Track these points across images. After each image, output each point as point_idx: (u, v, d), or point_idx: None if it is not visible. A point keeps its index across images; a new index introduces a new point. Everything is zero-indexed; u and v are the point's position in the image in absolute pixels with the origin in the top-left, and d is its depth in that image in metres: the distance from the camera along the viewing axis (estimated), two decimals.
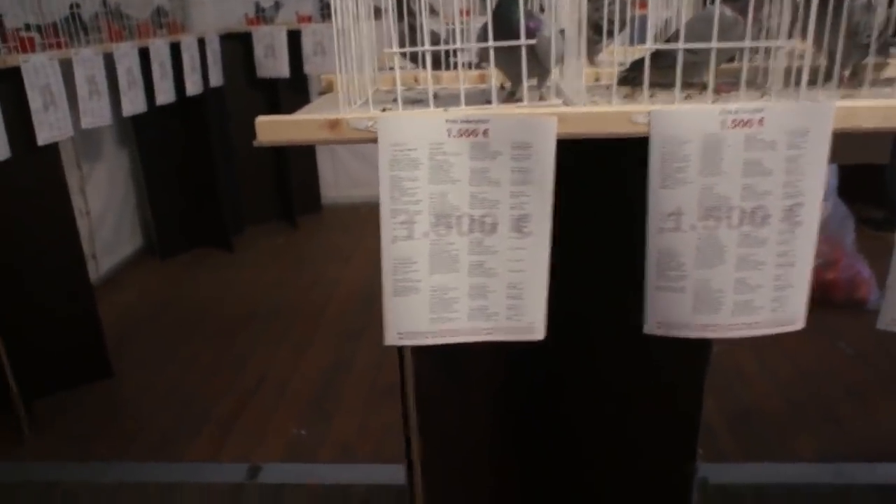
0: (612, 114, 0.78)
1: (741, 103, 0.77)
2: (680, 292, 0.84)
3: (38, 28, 2.53)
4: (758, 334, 0.86)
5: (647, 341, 0.87)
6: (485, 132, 0.79)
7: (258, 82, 3.90)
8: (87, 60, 2.48)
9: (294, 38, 3.82)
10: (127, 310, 3.16)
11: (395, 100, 1.05)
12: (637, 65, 1.10)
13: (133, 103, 2.85)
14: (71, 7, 2.69)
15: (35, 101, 2.16)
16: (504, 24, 0.84)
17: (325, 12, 3.93)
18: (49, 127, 2.22)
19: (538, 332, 0.88)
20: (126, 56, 2.78)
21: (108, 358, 2.57)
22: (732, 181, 0.79)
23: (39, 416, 2.29)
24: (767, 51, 1.00)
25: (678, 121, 0.77)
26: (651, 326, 0.87)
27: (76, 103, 2.46)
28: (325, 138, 0.79)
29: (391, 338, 0.86)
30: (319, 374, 2.54)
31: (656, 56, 0.91)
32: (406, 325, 0.86)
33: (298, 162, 4.20)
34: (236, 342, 2.82)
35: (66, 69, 2.37)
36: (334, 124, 0.79)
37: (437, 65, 1.27)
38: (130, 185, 3.70)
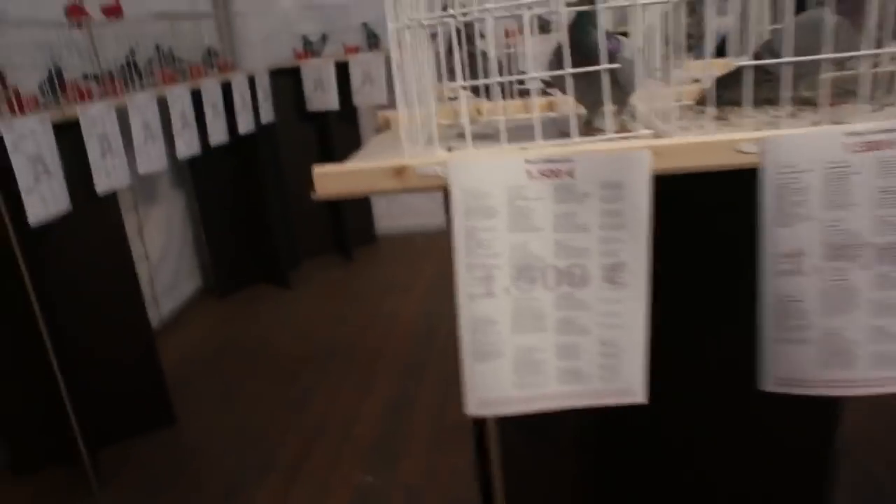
0: (715, 144, 0.67)
1: (869, 123, 0.66)
2: (804, 344, 0.72)
3: (96, 77, 2.57)
4: None
5: (763, 400, 0.75)
6: (570, 172, 0.70)
7: (308, 116, 3.90)
8: (141, 106, 2.50)
9: (342, 70, 3.82)
10: (188, 352, 3.15)
11: (459, 135, 0.97)
12: (724, 82, 0.99)
13: (188, 146, 2.86)
14: (127, 55, 2.73)
15: (93, 151, 2.17)
16: (580, 46, 0.75)
17: (371, 41, 3.92)
18: (107, 175, 2.23)
19: (637, 395, 0.77)
20: (179, 98, 2.80)
21: (170, 403, 2.55)
22: (863, 214, 0.67)
23: (105, 467, 2.28)
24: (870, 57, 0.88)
25: (795, 147, 0.66)
26: (769, 383, 0.75)
27: (132, 149, 2.47)
28: (390, 187, 0.72)
29: (473, 407, 0.77)
30: (383, 413, 2.47)
31: (740, 72, 0.81)
32: (489, 391, 0.76)
33: None
34: (297, 381, 2.78)
35: (122, 116, 2.39)
36: (399, 172, 0.71)
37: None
38: (188, 226, 3.73)
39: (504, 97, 1.14)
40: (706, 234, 0.79)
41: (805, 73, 0.85)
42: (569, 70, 0.72)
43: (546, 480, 0.92)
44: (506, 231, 0.71)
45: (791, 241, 0.69)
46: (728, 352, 0.80)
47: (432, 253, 4.03)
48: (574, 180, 0.70)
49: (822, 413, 0.79)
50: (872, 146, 0.65)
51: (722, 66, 1.14)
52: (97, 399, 2.32)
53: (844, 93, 0.95)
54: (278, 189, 3.76)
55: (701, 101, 1.01)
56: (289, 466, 2.22)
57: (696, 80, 1.13)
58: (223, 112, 3.15)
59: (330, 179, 0.72)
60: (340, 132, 4.00)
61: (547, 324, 0.75)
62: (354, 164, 0.72)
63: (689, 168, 0.68)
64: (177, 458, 2.37)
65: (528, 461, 0.92)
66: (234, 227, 3.68)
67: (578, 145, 0.72)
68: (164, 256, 3.46)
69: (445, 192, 0.75)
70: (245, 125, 3.32)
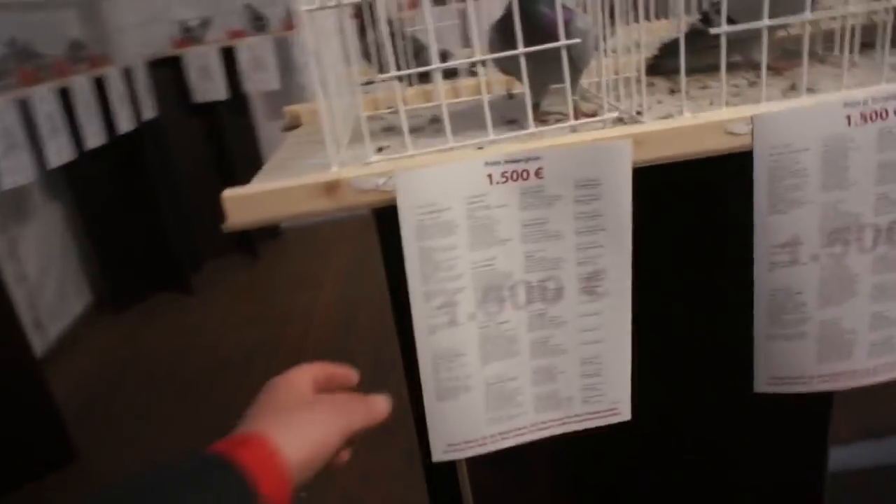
0: (701, 127, 0.58)
1: (868, 90, 0.58)
2: (800, 339, 0.65)
3: None
4: None
5: (754, 404, 0.68)
6: (538, 172, 0.58)
7: (195, 108, 3.61)
8: None
9: (228, 56, 3.55)
10: (85, 377, 2.87)
11: (385, 130, 0.84)
12: (670, 49, 0.90)
13: (59, 152, 2.56)
14: None
15: None
16: (527, 17, 0.63)
17: (257, 24, 3.66)
18: None
19: (623, 414, 0.68)
20: (44, 100, 2.49)
21: (68, 438, 2.29)
22: (863, 192, 0.60)
23: None
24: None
25: (790, 124, 0.58)
26: (762, 384, 0.68)
27: None
28: (321, 209, 0.58)
29: (440, 452, 0.65)
30: None
31: (690, 36, 0.72)
32: (458, 433, 0.65)
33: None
34: (213, 396, 2.57)
35: None
36: (331, 188, 0.57)
37: (422, 77, 1.06)
38: (69, 239, 3.38)
39: (414, 81, 1.01)
40: (685, 230, 0.70)
41: (750, 36, 0.77)
42: (523, 50, 0.61)
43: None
44: (467, 249, 0.59)
45: (787, 229, 0.61)
46: (715, 356, 0.73)
47: (340, 242, 3.86)
48: (542, 181, 0.59)
49: (815, 407, 0.73)
50: (872, 116, 0.58)
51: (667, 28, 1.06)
52: None
53: (788, 54, 0.89)
54: (169, 189, 3.46)
55: (648, 72, 0.93)
56: None
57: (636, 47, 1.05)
58: (98, 111, 2.84)
59: (244, 204, 0.58)
60: (232, 123, 3.73)
61: (520, 347, 0.64)
62: (272, 183, 0.58)
63: (672, 157, 0.59)
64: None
65: (499, 489, 0.82)
66: (123, 234, 3.36)
67: (540, 139, 0.61)
68: (44, 275, 3.12)
69: (376, 211, 0.62)
70: (124, 123, 3.02)
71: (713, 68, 0.77)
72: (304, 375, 0.55)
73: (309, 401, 0.53)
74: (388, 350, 0.64)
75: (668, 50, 0.90)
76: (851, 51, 0.74)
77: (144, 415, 2.52)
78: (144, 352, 3.04)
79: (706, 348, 0.73)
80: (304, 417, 0.50)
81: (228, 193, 0.58)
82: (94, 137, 2.80)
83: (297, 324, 3.03)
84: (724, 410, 0.74)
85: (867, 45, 0.77)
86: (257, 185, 0.59)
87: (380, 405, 0.55)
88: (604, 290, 0.63)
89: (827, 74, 0.78)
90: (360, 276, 3.38)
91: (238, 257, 3.93)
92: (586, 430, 0.69)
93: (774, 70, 0.83)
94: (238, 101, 3.70)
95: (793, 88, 0.72)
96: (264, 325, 3.10)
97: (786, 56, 0.88)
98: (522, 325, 0.63)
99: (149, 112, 3.29)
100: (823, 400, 0.71)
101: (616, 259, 0.62)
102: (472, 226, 0.58)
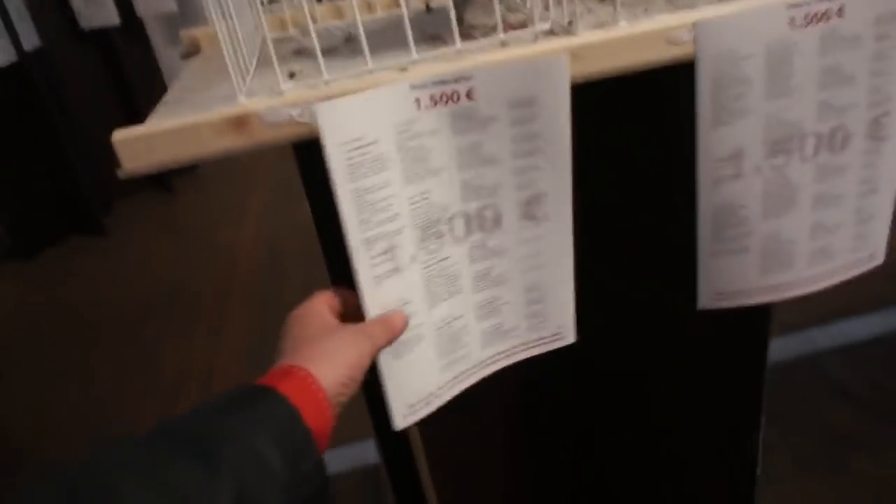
0: (641, 37, 0.54)
1: None
2: (743, 253, 0.64)
3: None
4: (836, 283, 0.68)
5: (695, 320, 0.68)
6: (468, 93, 0.53)
7: (85, 35, 3.30)
8: None
9: None
10: None
11: (295, 52, 0.76)
12: None
13: None
14: None
15: None
16: None
17: None
18: None
19: (568, 336, 0.67)
20: None
21: None
22: (806, 99, 0.58)
23: None
24: None
25: (735, 30, 0.54)
26: (707, 300, 0.67)
27: None
28: (229, 146, 0.51)
29: (400, 418, 0.60)
30: (245, 355, 2.26)
31: None
32: (416, 390, 0.60)
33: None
34: (138, 341, 2.47)
35: None
36: (240, 123, 0.50)
37: None
38: None
39: None
40: (624, 149, 0.67)
41: None
42: None
43: (472, 450, 0.81)
44: (402, 184, 0.53)
45: (730, 141, 0.58)
46: (656, 275, 0.71)
47: (259, 172, 3.70)
48: (474, 103, 0.53)
49: (756, 319, 0.73)
50: (816, 18, 0.55)
51: None
52: None
53: None
54: (68, 125, 3.19)
55: None
56: None
57: None
58: None
59: (140, 146, 0.50)
60: (128, 52, 3.43)
61: (463, 283, 0.60)
62: (171, 121, 0.51)
63: (612, 71, 0.54)
64: (10, 465, 2.04)
65: (452, 440, 0.80)
66: (22, 176, 3.10)
67: (468, 56, 0.55)
68: None
69: (296, 147, 0.56)
70: (3, 55, 2.73)
71: None
72: (323, 303, 0.55)
73: (334, 327, 0.53)
74: (320, 286, 0.59)
75: None
76: None
77: (66, 368, 2.41)
78: (60, 300, 2.88)
79: (648, 268, 0.72)
80: (335, 344, 0.51)
81: (120, 136, 0.50)
82: None
83: (220, 261, 2.92)
84: (667, 330, 0.74)
85: None
86: (154, 125, 0.51)
87: (397, 320, 0.55)
88: (544, 215, 0.59)
89: None
90: (284, 208, 3.26)
91: (152, 194, 3.71)
92: (533, 362, 0.67)
93: None
94: (132, 26, 3.40)
95: None
96: (186, 264, 2.97)
97: None
98: (464, 259, 0.59)
99: (31, 41, 2.98)
100: (762, 311, 0.71)
101: (556, 182, 0.58)
102: (404, 158, 0.53)
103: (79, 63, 3.33)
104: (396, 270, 0.55)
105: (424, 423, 0.75)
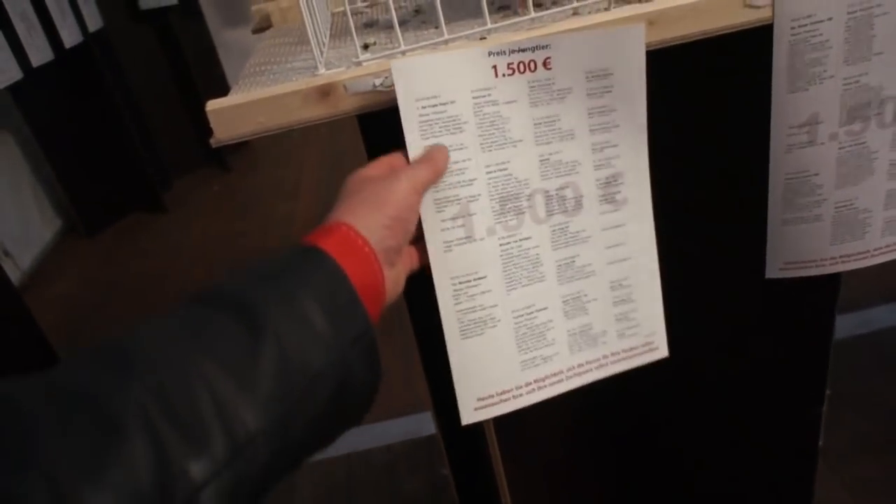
0: (717, 1, 0.54)
1: None
2: (815, 221, 0.64)
3: None
4: None
5: (762, 290, 0.68)
6: (546, 62, 0.54)
7: (143, 15, 3.39)
8: None
9: None
10: (67, 303, 2.83)
11: (366, 25, 0.78)
12: None
13: (2, 72, 2.40)
14: None
15: None
16: None
17: None
18: None
19: (660, 347, 0.62)
20: None
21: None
22: (888, 63, 0.57)
23: None
24: None
25: None
26: (775, 269, 0.67)
27: None
28: (315, 116, 0.54)
29: (469, 410, 0.57)
30: None
31: None
32: (490, 382, 0.57)
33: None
34: None
35: None
36: (325, 92, 0.53)
37: None
38: (24, 166, 3.22)
39: None
40: (691, 117, 0.67)
41: None
42: None
43: (535, 421, 0.83)
44: (479, 150, 0.55)
45: (806, 107, 0.58)
46: (722, 246, 0.71)
47: (312, 146, 3.76)
48: (551, 72, 0.54)
49: (821, 295, 0.73)
50: None
51: None
52: None
53: None
54: (128, 104, 3.30)
55: None
56: None
57: None
58: (38, 24, 2.65)
59: (230, 116, 0.53)
60: (184, 30, 3.52)
61: (546, 270, 0.58)
62: (259, 92, 0.53)
63: (687, 36, 0.54)
64: None
65: (523, 451, 0.81)
66: (86, 155, 3.22)
67: (544, 25, 0.56)
68: (2, 205, 2.99)
69: (361, 119, 0.57)
70: (70, 37, 2.83)
71: None
72: (379, 164, 0.53)
73: (378, 178, 0.51)
74: None
75: None
76: None
77: None
78: (125, 274, 2.99)
79: (715, 238, 0.72)
80: (374, 189, 0.49)
81: (213, 105, 0.53)
82: (39, 53, 2.63)
83: (276, 234, 2.99)
84: (733, 300, 0.74)
85: None
86: (243, 95, 0.54)
87: (437, 152, 0.52)
88: (623, 197, 0.58)
89: None
90: (337, 181, 3.29)
91: (209, 171, 3.81)
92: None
93: None
94: (188, 5, 3.47)
95: None
96: (244, 237, 3.05)
97: None
98: (546, 242, 0.58)
99: (95, 22, 3.08)
100: (831, 282, 0.71)
101: (634, 159, 0.57)
102: (481, 123, 0.54)
103: (137, 43, 3.42)
104: (470, 239, 0.55)
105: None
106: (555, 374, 0.60)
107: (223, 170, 3.78)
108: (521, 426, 0.85)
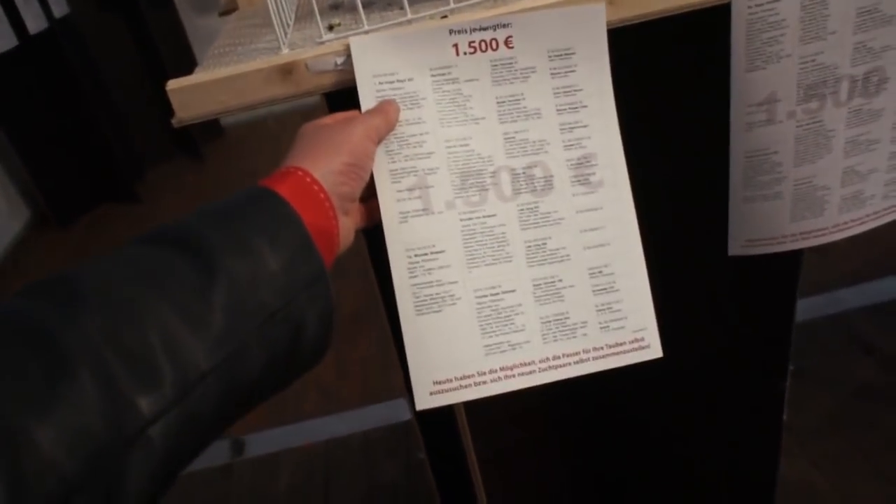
0: None
1: None
2: (775, 199, 0.65)
3: None
4: (866, 230, 0.69)
5: (724, 267, 0.69)
6: (507, 41, 0.54)
7: (111, 2, 3.32)
8: None
9: None
10: None
11: (332, 7, 0.77)
12: None
13: None
14: None
15: None
16: None
17: None
18: None
19: (652, 345, 0.58)
20: None
21: None
22: (842, 42, 0.58)
23: None
24: None
25: None
26: (738, 247, 0.68)
27: None
28: (278, 94, 0.53)
29: (425, 395, 0.54)
30: None
31: None
32: (447, 364, 0.55)
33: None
34: None
35: None
36: (287, 71, 0.52)
37: None
38: None
39: None
40: (651, 95, 0.68)
41: None
42: None
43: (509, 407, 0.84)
44: (437, 124, 0.55)
45: (764, 86, 0.59)
46: (685, 223, 0.72)
47: (287, 137, 3.67)
48: (513, 51, 0.55)
49: (783, 272, 0.74)
50: None
51: None
52: None
53: None
54: (97, 92, 3.24)
55: None
56: None
57: None
58: (1, 10, 2.59)
59: (192, 95, 0.53)
60: (154, 17, 3.46)
61: (513, 250, 0.56)
62: (221, 71, 0.53)
63: (648, 14, 0.55)
64: None
65: (494, 433, 0.82)
66: (55, 145, 3.17)
67: (511, 4, 0.56)
68: None
69: (328, 95, 0.57)
70: (34, 23, 2.77)
71: None
72: (333, 116, 0.54)
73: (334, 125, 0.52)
74: (355, 246, 0.58)
75: None
76: None
77: None
78: None
79: (677, 215, 0.73)
80: (327, 135, 0.50)
81: (174, 84, 0.53)
82: (2, 40, 2.57)
83: None
84: (697, 276, 0.75)
85: None
86: (205, 74, 0.53)
87: (390, 106, 0.53)
88: (598, 179, 0.57)
89: None
90: None
91: (182, 159, 3.76)
92: None
93: None
94: None
95: None
96: None
97: None
98: (513, 222, 0.56)
99: (60, 8, 3.02)
100: (792, 259, 0.72)
101: (605, 141, 0.57)
102: (440, 100, 0.54)
103: (106, 29, 3.36)
104: (427, 211, 0.55)
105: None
106: (525, 364, 0.56)
107: (196, 159, 3.74)
108: (491, 409, 0.86)
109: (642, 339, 0.58)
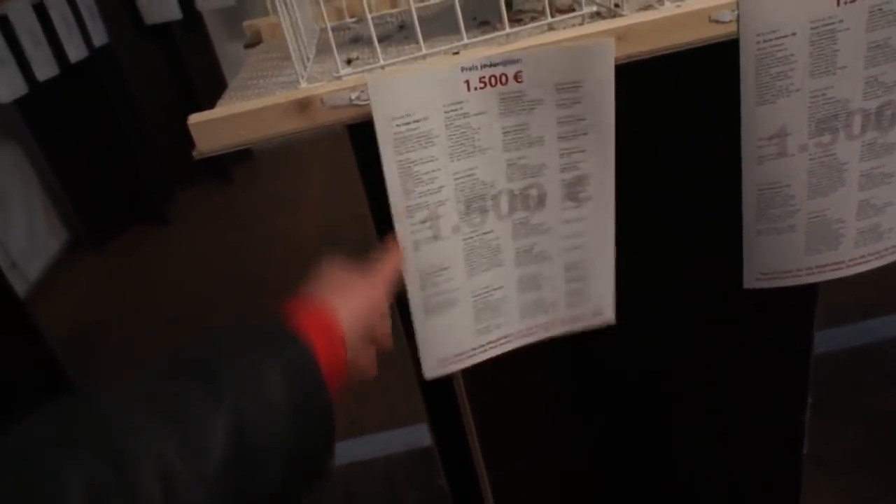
0: (685, 17, 0.55)
1: None
2: (788, 232, 0.65)
3: None
4: (884, 263, 0.68)
5: (741, 298, 0.69)
6: (517, 76, 0.56)
7: (148, 31, 3.43)
8: None
9: None
10: (72, 314, 2.85)
11: (353, 41, 0.80)
12: None
13: (8, 86, 2.44)
14: None
15: None
16: None
17: None
18: None
19: (607, 316, 0.69)
20: None
21: (64, 375, 2.30)
22: (853, 77, 0.58)
23: None
24: None
25: (777, 7, 0.55)
26: (752, 279, 0.68)
27: None
28: (295, 128, 0.55)
29: (432, 369, 0.66)
30: None
31: None
32: (447, 347, 0.65)
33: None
34: (204, 324, 2.57)
35: None
36: (304, 106, 0.54)
37: None
38: (32, 178, 3.26)
39: None
40: (665, 127, 0.68)
41: None
42: None
43: (517, 422, 0.84)
44: (448, 160, 0.57)
45: (775, 120, 0.59)
46: (702, 256, 0.72)
47: (316, 162, 3.78)
48: (522, 85, 0.56)
49: (800, 299, 0.74)
50: None
51: None
52: None
53: None
54: (132, 118, 3.34)
55: None
56: None
57: None
58: (45, 40, 2.69)
59: (212, 129, 0.55)
60: (188, 44, 3.56)
61: (504, 257, 0.64)
62: (240, 105, 0.55)
63: (656, 50, 0.56)
64: None
65: (504, 421, 0.83)
66: (91, 168, 3.26)
67: (518, 40, 0.57)
68: (9, 217, 3.02)
69: (350, 127, 0.60)
70: (75, 52, 2.86)
71: None
72: (356, 268, 0.57)
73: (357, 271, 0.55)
74: None
75: None
76: None
77: (137, 348, 2.53)
78: (128, 286, 3.02)
79: (695, 247, 0.73)
80: (353, 284, 0.53)
81: (195, 119, 0.55)
82: (45, 68, 2.66)
83: (278, 249, 3.01)
84: (713, 308, 0.75)
85: None
86: (224, 108, 0.55)
87: (393, 251, 0.58)
88: (587, 196, 0.62)
89: None
90: (339, 196, 3.33)
91: (211, 182, 3.84)
92: (577, 340, 0.69)
93: None
94: (192, 20, 3.52)
95: None
96: (245, 251, 3.07)
97: None
98: (507, 235, 0.62)
99: (99, 38, 3.12)
100: (809, 292, 0.72)
101: (599, 164, 0.60)
102: (451, 135, 0.56)
103: (142, 57, 3.46)
104: (436, 238, 0.60)
105: (476, 406, 0.79)
106: (505, 337, 0.68)
107: (226, 181, 3.81)
108: (508, 434, 0.86)
109: (598, 310, 0.68)
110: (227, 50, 3.84)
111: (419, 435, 1.84)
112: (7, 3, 2.57)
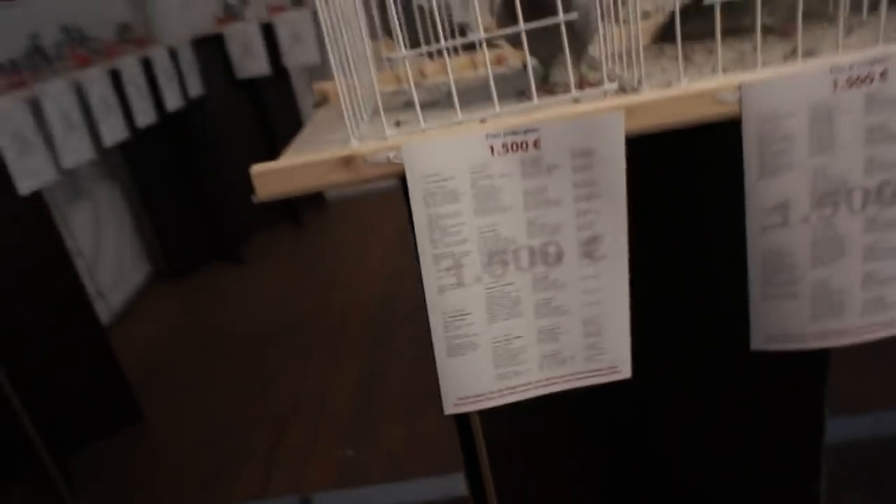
0: (691, 96, 0.61)
1: (853, 55, 0.61)
2: (793, 299, 0.69)
3: None
4: (892, 334, 0.70)
5: (752, 360, 0.72)
6: (535, 143, 0.63)
7: (239, 84, 3.71)
8: (55, 94, 2.31)
9: (268, 32, 3.63)
10: (148, 342, 3.04)
11: (407, 104, 0.89)
12: (685, 13, 0.92)
13: (113, 131, 2.69)
14: (30, 40, 2.52)
15: (8, 150, 2.00)
16: None
17: None
18: (28, 174, 2.07)
19: (623, 371, 0.73)
20: (96, 82, 2.61)
21: (134, 400, 2.46)
22: (852, 155, 0.63)
23: (75, 474, 2.19)
24: None
25: (777, 92, 0.61)
26: (759, 342, 0.72)
27: (53, 142, 2.30)
28: (341, 181, 0.64)
29: (451, 406, 0.72)
30: (354, 385, 2.42)
31: (698, 1, 0.74)
32: (467, 387, 0.71)
33: None
34: (264, 361, 2.70)
35: (36, 108, 2.21)
36: (348, 162, 0.63)
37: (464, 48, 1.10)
38: (125, 214, 3.54)
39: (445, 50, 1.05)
40: (678, 195, 0.74)
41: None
42: (523, 27, 0.65)
43: (533, 465, 0.88)
44: (472, 215, 0.64)
45: (776, 193, 0.64)
46: (710, 317, 0.76)
47: (386, 214, 3.94)
48: (540, 151, 0.63)
49: (811, 362, 0.76)
50: (858, 81, 0.60)
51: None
52: (55, 406, 2.21)
53: (806, 15, 0.90)
54: (217, 163, 3.59)
55: (658, 38, 0.95)
56: (266, 450, 2.17)
57: (647, 14, 1.06)
58: (147, 91, 2.96)
59: (271, 178, 0.64)
60: (274, 97, 3.82)
61: (524, 308, 0.70)
62: (296, 159, 0.64)
63: (664, 126, 0.62)
64: (149, 456, 2.29)
65: (513, 449, 0.88)
66: (177, 207, 3.52)
67: (541, 111, 0.65)
68: (100, 249, 3.28)
69: (401, 178, 0.68)
70: (173, 102, 3.13)
71: (724, 32, 0.80)
72: None
73: None
74: (427, 333, 0.72)
75: (682, 15, 0.92)
76: (860, 11, 0.75)
77: (202, 379, 2.67)
78: (201, 320, 3.20)
79: (704, 309, 0.77)
80: None
81: (257, 169, 0.64)
82: (145, 116, 2.92)
83: (340, 297, 3.13)
84: (721, 370, 0.78)
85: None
86: (282, 161, 0.65)
87: None
88: (601, 254, 0.67)
89: (833, 36, 0.79)
90: (406, 250, 3.44)
91: (284, 227, 4.05)
92: (595, 394, 0.74)
93: (783, 33, 0.85)
94: (279, 75, 3.78)
95: (794, 52, 0.74)
96: (309, 296, 3.21)
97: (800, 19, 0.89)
98: (526, 287, 0.68)
99: (195, 89, 3.40)
100: (819, 361, 0.75)
101: (612, 225, 0.66)
102: (476, 194, 0.63)
103: (231, 108, 3.74)
104: (460, 285, 0.66)
105: (501, 462, 0.83)
106: (524, 385, 0.73)
107: (298, 226, 4.01)
108: (529, 483, 0.90)
109: (616, 367, 0.72)
110: (308, 103, 4.10)
111: (458, 483, 1.88)
112: (117, 59, 2.85)
